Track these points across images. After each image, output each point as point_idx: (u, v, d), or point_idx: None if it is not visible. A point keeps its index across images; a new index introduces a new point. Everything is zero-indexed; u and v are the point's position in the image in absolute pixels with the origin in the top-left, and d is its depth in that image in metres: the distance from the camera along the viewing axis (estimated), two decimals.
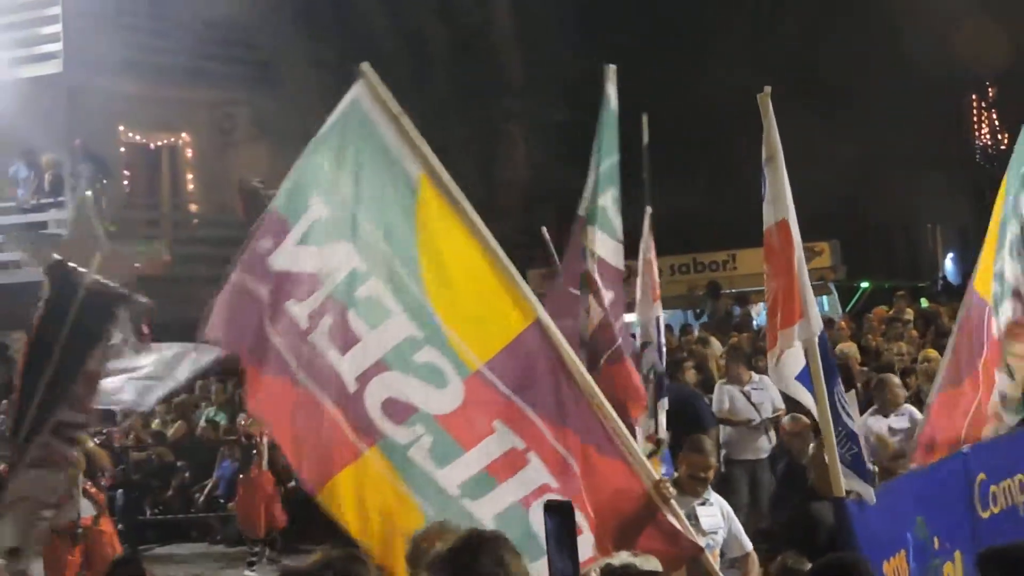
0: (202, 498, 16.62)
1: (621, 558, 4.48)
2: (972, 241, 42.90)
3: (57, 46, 22.20)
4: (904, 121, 29.91)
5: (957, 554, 6.37)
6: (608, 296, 7.80)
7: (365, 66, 5.36)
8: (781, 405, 12.25)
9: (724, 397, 12.85)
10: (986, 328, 7.71)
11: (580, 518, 5.39)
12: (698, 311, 20.73)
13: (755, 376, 12.81)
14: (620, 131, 8.18)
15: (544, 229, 10.24)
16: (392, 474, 5.28)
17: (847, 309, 22.22)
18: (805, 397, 6.00)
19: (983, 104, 40.66)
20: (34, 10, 22.44)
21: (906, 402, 10.68)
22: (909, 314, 18.12)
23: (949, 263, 39.17)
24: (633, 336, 9.06)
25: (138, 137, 24.92)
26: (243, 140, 25.71)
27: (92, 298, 6.47)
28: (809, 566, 5.37)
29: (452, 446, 5.34)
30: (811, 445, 9.22)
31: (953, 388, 7.64)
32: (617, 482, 5.68)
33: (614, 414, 5.74)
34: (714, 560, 6.95)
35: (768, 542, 8.31)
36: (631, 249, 8.64)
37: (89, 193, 9.14)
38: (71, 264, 6.74)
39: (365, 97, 5.34)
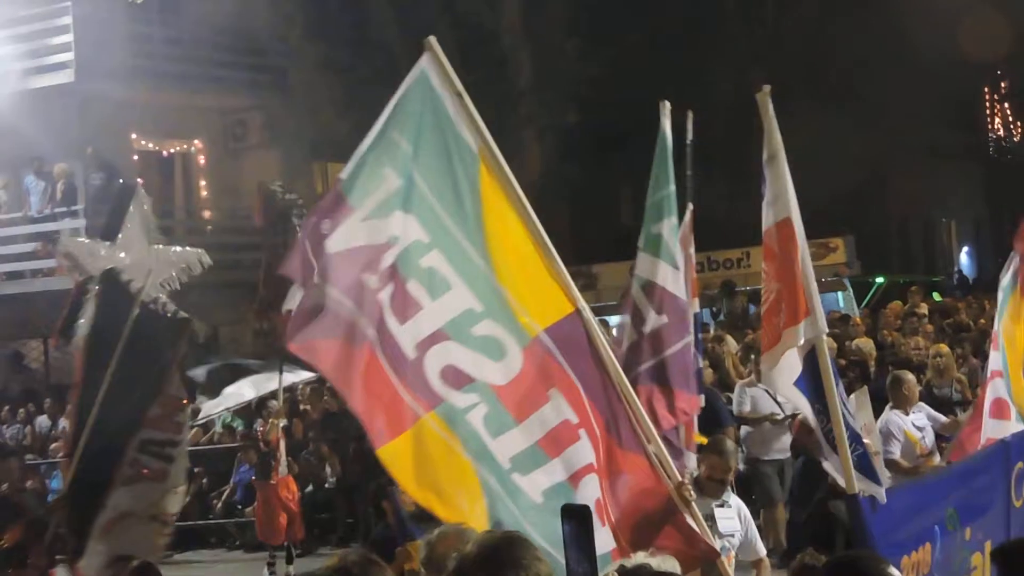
0: (219, 504, 16.66)
1: (637, 558, 4.45)
2: (986, 234, 42.89)
3: (69, 56, 22.28)
4: (917, 115, 29.84)
5: (988, 544, 6.33)
6: (659, 321, 7.96)
7: (431, 40, 5.40)
8: None
9: (745, 399, 12.76)
10: None
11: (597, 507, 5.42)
12: (715, 309, 20.69)
13: None
14: (635, 123, 8.25)
15: None
16: (451, 436, 5.32)
17: (863, 305, 22.13)
18: (802, 402, 5.98)
19: (996, 97, 40.52)
20: (45, 20, 22.52)
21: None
22: (923, 308, 18.03)
23: (964, 257, 39.04)
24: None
25: (151, 145, 24.98)
26: (255, 146, 25.78)
27: (148, 317, 6.60)
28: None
29: (506, 417, 5.39)
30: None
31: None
32: (638, 479, 5.68)
33: (644, 414, 5.76)
34: (730, 562, 6.93)
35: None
36: None
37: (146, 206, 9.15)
38: (125, 276, 6.83)
39: (431, 69, 5.39)
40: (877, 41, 28.18)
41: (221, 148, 25.97)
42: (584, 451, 5.50)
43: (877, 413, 9.37)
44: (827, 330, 5.89)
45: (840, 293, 21.80)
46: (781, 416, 12.52)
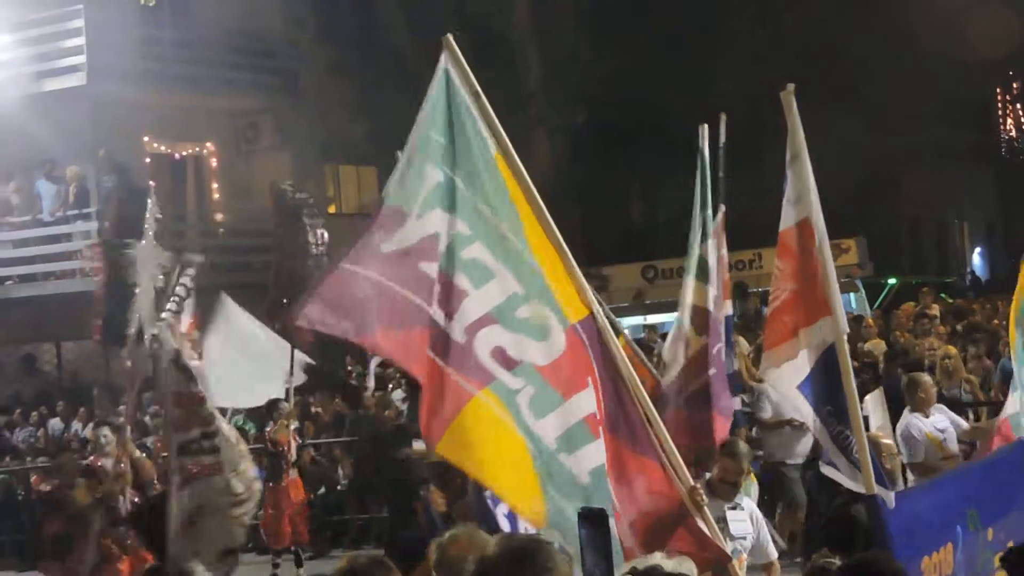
0: None
1: (654, 559, 4.44)
2: (998, 235, 42.77)
3: (81, 59, 22.35)
4: (929, 116, 29.80)
5: (1011, 545, 6.29)
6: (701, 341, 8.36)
7: (448, 38, 5.48)
8: None
9: (765, 403, 12.58)
10: None
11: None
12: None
13: None
14: (649, 117, 8.34)
15: None
16: (505, 412, 5.37)
17: (875, 306, 22.09)
18: (804, 407, 5.95)
19: (1008, 97, 40.47)
20: (57, 23, 22.59)
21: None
22: (934, 310, 17.96)
23: (976, 257, 38.99)
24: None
25: (163, 147, 25.04)
26: (267, 149, 25.84)
27: (178, 371, 6.73)
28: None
29: (552, 395, 5.45)
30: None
31: None
32: (650, 483, 5.70)
33: (658, 419, 5.77)
34: (741, 565, 6.93)
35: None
36: None
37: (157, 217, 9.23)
38: (161, 335, 6.93)
39: (451, 66, 5.47)
40: (890, 42, 28.16)
41: (233, 150, 26.03)
42: (602, 448, 5.55)
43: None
44: (848, 330, 5.86)
45: (852, 294, 21.73)
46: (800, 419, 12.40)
